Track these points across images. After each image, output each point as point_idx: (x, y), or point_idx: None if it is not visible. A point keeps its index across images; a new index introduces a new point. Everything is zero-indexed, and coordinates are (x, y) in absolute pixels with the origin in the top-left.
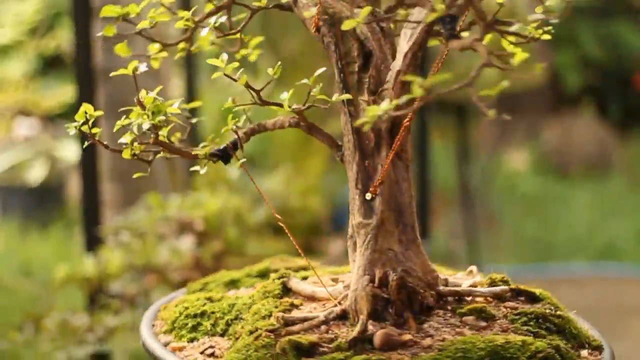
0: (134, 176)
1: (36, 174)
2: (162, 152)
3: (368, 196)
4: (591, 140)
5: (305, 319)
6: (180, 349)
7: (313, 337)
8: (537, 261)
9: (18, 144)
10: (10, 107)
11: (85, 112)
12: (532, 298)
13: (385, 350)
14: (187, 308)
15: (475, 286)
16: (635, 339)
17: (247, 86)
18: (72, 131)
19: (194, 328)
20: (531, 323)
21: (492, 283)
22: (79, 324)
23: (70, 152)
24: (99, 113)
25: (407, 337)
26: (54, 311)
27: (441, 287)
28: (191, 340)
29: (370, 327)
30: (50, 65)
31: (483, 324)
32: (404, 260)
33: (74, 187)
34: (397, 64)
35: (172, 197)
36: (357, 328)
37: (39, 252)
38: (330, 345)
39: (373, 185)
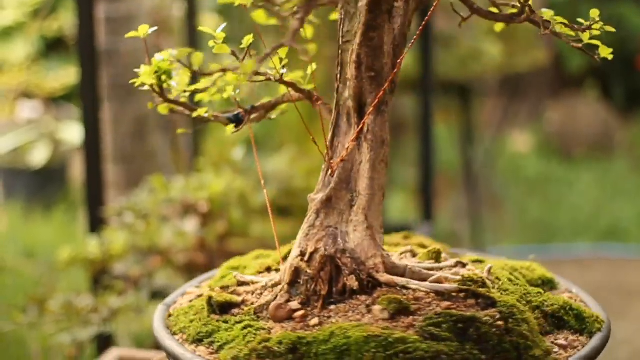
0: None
1: (39, 157)
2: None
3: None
4: (594, 122)
5: (253, 282)
6: None
7: (237, 298)
8: (541, 242)
9: (21, 127)
10: (13, 89)
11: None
12: (488, 303)
13: (274, 321)
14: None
15: (441, 281)
16: (638, 320)
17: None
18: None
19: None
20: (444, 326)
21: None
22: (83, 305)
23: (73, 134)
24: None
25: (300, 313)
26: (58, 293)
27: (380, 274)
28: None
29: (280, 297)
30: (52, 47)
31: (386, 315)
32: (345, 240)
33: (76, 170)
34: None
35: (176, 179)
36: (267, 297)
37: (42, 234)
38: (244, 308)
39: (331, 164)
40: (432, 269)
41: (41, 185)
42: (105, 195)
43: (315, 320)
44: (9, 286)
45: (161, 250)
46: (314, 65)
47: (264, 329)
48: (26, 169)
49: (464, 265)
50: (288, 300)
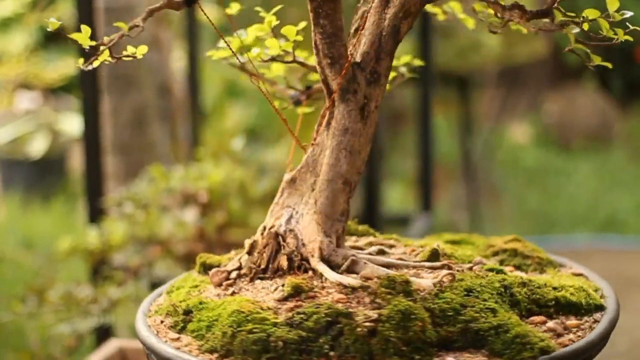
0: None
1: (38, 147)
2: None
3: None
4: (593, 113)
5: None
6: None
7: (227, 262)
8: (539, 233)
9: (19, 117)
10: (11, 80)
11: None
12: (382, 305)
13: (213, 285)
14: None
15: (369, 277)
16: (637, 311)
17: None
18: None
19: None
20: (314, 316)
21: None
22: (83, 295)
23: (71, 125)
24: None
25: (228, 282)
26: (57, 283)
27: (313, 259)
28: None
29: (231, 265)
30: (51, 38)
31: (278, 296)
32: (297, 221)
33: (75, 160)
34: None
35: (176, 169)
36: (229, 264)
37: (41, 225)
38: (223, 271)
39: (304, 147)
40: (390, 265)
41: (40, 176)
42: (104, 186)
43: (232, 290)
44: (8, 277)
45: (161, 240)
46: None
47: (202, 291)
48: (25, 159)
49: (448, 268)
50: (238, 269)
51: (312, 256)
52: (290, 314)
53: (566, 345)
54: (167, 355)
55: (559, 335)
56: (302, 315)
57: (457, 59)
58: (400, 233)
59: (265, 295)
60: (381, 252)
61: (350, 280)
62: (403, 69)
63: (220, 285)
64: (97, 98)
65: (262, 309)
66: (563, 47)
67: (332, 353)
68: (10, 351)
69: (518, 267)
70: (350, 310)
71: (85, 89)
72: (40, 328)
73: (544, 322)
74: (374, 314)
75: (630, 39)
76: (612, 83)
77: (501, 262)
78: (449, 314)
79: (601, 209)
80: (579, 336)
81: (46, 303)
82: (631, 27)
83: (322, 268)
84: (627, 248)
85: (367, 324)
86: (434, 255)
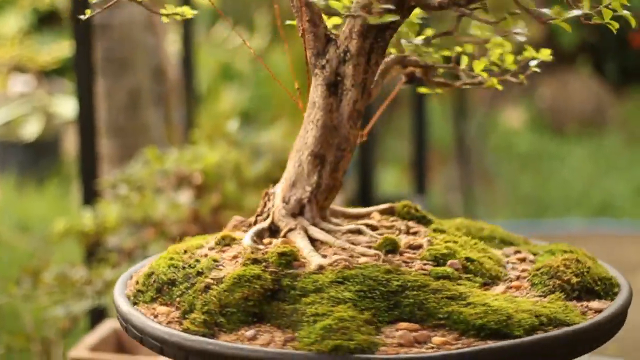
0: None
1: (32, 130)
2: None
3: None
4: (587, 98)
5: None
6: None
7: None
8: (533, 217)
9: (13, 100)
10: (5, 62)
11: None
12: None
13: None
14: None
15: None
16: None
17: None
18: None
19: None
20: (193, 267)
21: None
22: (77, 277)
23: (65, 107)
24: None
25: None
26: (52, 265)
27: (264, 221)
28: None
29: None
30: (45, 21)
31: (233, 253)
32: (280, 185)
33: (69, 143)
34: None
35: (170, 151)
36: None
37: (35, 207)
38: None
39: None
40: (321, 240)
41: (34, 159)
42: (98, 168)
43: (239, 248)
44: (3, 259)
45: (155, 222)
46: None
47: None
48: (19, 142)
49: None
50: (254, 223)
51: (266, 218)
52: (192, 260)
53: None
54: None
55: (402, 345)
56: (194, 262)
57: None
58: None
59: (213, 242)
60: (356, 232)
61: (247, 242)
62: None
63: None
64: (91, 80)
65: (185, 251)
66: (557, 31)
67: (177, 299)
68: (5, 333)
69: (534, 285)
70: (218, 268)
71: (79, 71)
72: (35, 310)
73: (403, 329)
74: (222, 274)
75: (633, 21)
76: (607, 67)
77: (531, 278)
78: (296, 292)
79: (596, 194)
80: (428, 352)
81: (40, 285)
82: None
83: (252, 230)
84: (622, 232)
85: (207, 280)
86: (386, 243)
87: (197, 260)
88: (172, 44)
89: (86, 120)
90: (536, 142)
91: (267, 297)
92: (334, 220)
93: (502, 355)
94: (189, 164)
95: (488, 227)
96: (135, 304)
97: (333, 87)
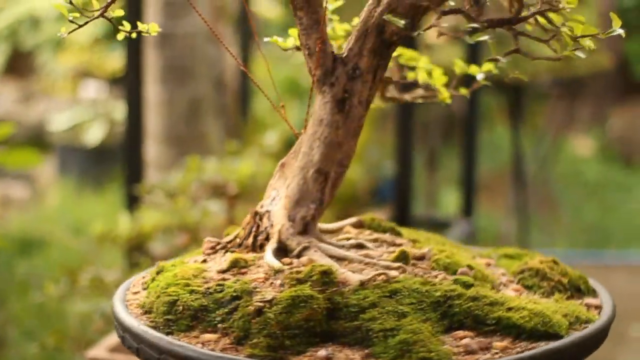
0: None
1: (95, 135)
2: None
3: None
4: None
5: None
6: None
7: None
8: (594, 247)
9: (81, 105)
10: (75, 68)
11: None
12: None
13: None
14: None
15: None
16: None
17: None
18: None
19: None
20: (226, 284)
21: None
22: (111, 279)
23: None
24: None
25: (211, 252)
26: (89, 267)
27: (270, 241)
28: None
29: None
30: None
31: (225, 267)
32: (275, 203)
33: None
34: None
35: (209, 160)
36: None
37: (92, 210)
38: (213, 241)
39: (296, 134)
40: (342, 257)
41: (95, 163)
42: (144, 173)
43: (203, 258)
44: (56, 259)
45: (189, 229)
46: None
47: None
48: (82, 146)
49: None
50: (229, 242)
51: (272, 237)
52: (211, 284)
53: None
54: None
55: (470, 352)
56: (218, 287)
57: (509, 67)
58: None
59: (216, 265)
60: (359, 246)
61: (275, 262)
62: (480, 76)
63: (207, 253)
64: (140, 87)
65: (194, 276)
66: (630, 61)
67: (220, 325)
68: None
69: (529, 287)
70: (257, 289)
71: (129, 77)
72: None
73: (463, 337)
74: (270, 296)
75: None
76: None
77: (519, 281)
78: (352, 310)
79: None
80: (497, 357)
81: (77, 286)
82: None
83: (268, 249)
84: None
85: (257, 303)
86: (402, 256)
87: (220, 285)
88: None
89: (133, 126)
90: (604, 171)
91: (326, 316)
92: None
93: (562, 353)
94: (226, 174)
95: (433, 237)
96: (169, 333)
97: (342, 104)
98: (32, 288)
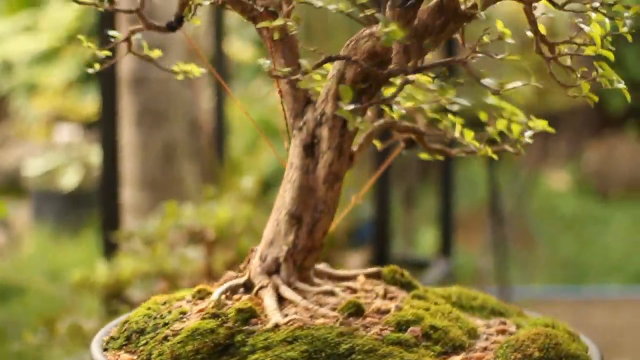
0: None
1: (70, 180)
2: None
3: None
4: (634, 162)
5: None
6: None
7: None
8: (571, 282)
9: (55, 149)
10: (48, 112)
11: None
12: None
13: None
14: None
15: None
16: None
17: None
18: None
19: None
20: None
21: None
22: (89, 328)
23: None
24: None
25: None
26: (66, 315)
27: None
28: None
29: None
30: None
31: (202, 306)
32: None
33: None
34: None
35: (186, 206)
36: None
37: (69, 256)
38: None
39: None
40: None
41: (71, 208)
42: (121, 219)
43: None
44: (33, 307)
45: (168, 276)
46: None
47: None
48: (57, 191)
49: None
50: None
51: (244, 275)
52: (164, 309)
53: None
54: None
55: None
56: (164, 313)
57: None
58: (416, 278)
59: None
60: (330, 293)
61: (215, 296)
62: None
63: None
64: (115, 130)
65: (165, 302)
66: (605, 96)
67: (141, 348)
68: None
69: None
70: (182, 320)
71: (104, 121)
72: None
73: None
74: (180, 326)
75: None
76: None
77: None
78: (245, 349)
79: (636, 259)
80: None
81: (55, 334)
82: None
83: (224, 285)
84: None
85: (166, 331)
86: (350, 306)
87: (170, 312)
88: (209, 100)
89: (109, 170)
90: (580, 205)
91: (218, 352)
92: (317, 280)
93: None
94: (203, 220)
95: (481, 297)
96: (105, 349)
97: (310, 149)
98: (10, 336)
